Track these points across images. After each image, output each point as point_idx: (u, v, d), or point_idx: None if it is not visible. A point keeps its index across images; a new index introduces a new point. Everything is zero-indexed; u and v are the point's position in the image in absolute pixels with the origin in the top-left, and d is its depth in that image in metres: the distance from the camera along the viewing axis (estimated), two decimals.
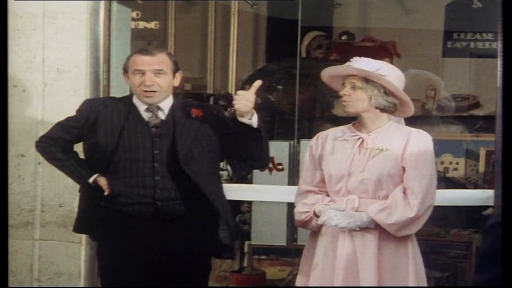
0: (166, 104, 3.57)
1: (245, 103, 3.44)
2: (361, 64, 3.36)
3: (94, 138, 3.55)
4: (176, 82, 3.61)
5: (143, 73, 3.50)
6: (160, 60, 3.53)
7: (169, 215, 3.50)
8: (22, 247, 4.42)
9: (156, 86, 3.51)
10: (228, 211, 3.64)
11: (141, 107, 3.57)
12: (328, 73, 3.46)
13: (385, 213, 3.25)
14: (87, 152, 3.64)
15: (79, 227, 3.74)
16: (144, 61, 3.52)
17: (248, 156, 3.59)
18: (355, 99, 3.33)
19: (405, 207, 3.25)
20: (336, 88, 3.54)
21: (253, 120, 3.49)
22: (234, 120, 3.51)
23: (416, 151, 3.31)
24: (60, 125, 3.63)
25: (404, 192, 3.28)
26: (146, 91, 3.51)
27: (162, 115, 3.56)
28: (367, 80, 3.32)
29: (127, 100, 3.63)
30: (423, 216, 3.28)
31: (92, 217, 3.59)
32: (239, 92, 3.54)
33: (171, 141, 3.52)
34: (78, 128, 3.58)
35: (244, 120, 3.48)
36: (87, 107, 3.63)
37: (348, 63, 3.41)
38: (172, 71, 3.56)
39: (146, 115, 3.56)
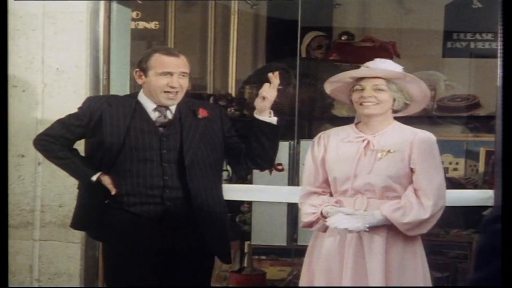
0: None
1: (272, 95, 3.47)
2: (387, 66, 3.36)
3: (98, 137, 3.52)
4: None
5: (171, 74, 3.49)
6: (185, 63, 3.54)
7: (177, 214, 3.49)
8: (22, 248, 4.42)
9: (179, 88, 3.51)
10: (223, 216, 3.64)
11: (149, 106, 3.54)
12: (352, 75, 3.40)
13: (399, 212, 3.26)
14: (89, 150, 3.61)
15: (77, 224, 3.71)
16: (172, 63, 3.50)
17: (259, 155, 3.58)
18: (381, 101, 3.34)
19: (419, 208, 3.26)
20: (333, 94, 3.56)
21: (273, 118, 3.51)
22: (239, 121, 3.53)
23: (424, 152, 3.32)
24: (61, 123, 3.59)
25: (415, 193, 3.29)
26: (169, 92, 3.49)
27: (170, 115, 3.55)
28: (389, 82, 3.33)
29: (132, 99, 3.59)
30: (436, 217, 3.30)
31: (93, 215, 3.57)
32: (266, 84, 3.52)
33: (178, 141, 3.51)
34: (81, 126, 3.55)
35: (264, 118, 3.50)
36: (90, 105, 3.58)
37: (368, 65, 3.38)
38: (189, 73, 3.58)
39: (153, 115, 3.54)
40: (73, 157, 3.58)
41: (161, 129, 3.53)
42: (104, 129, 3.50)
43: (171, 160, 3.49)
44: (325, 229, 3.38)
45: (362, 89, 3.34)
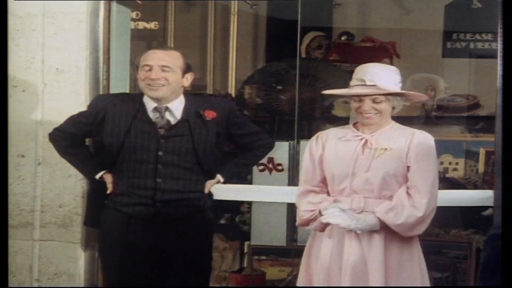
0: (176, 105, 3.54)
1: None
2: (380, 79, 3.33)
3: (101, 136, 3.55)
4: (186, 82, 3.58)
5: (150, 67, 3.49)
6: (170, 57, 3.52)
7: (169, 216, 3.50)
8: (22, 248, 4.42)
9: (163, 80, 3.49)
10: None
11: (149, 107, 3.54)
12: (347, 94, 3.40)
13: (392, 213, 3.26)
14: (95, 148, 3.67)
15: (87, 221, 3.84)
16: (154, 56, 3.52)
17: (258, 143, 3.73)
18: (381, 111, 3.33)
19: (411, 207, 3.26)
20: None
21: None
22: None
23: (420, 151, 3.32)
24: (71, 119, 3.66)
25: (408, 192, 3.29)
26: (150, 84, 3.48)
27: (169, 116, 3.54)
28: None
29: (137, 99, 3.60)
30: (430, 216, 3.30)
31: (98, 212, 3.61)
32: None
33: (182, 144, 3.51)
34: (87, 124, 3.60)
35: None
36: (97, 104, 3.63)
37: (365, 78, 3.33)
38: (182, 70, 3.54)
39: (153, 115, 3.54)
40: (81, 153, 3.65)
41: (161, 130, 3.52)
42: (106, 129, 3.53)
43: (167, 162, 3.49)
44: (322, 228, 3.37)
45: (361, 101, 3.33)
